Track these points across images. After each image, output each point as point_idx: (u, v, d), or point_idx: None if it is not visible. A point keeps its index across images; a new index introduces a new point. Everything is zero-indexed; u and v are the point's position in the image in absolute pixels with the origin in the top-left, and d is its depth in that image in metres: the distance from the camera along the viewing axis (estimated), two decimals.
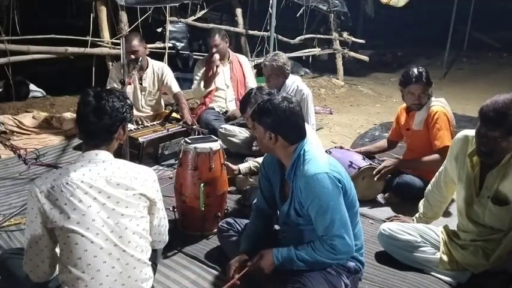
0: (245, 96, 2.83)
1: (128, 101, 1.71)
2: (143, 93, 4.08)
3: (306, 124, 2.03)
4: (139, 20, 4.91)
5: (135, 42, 3.77)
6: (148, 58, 4.06)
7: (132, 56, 3.74)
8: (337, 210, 1.84)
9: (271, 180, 2.13)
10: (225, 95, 4.39)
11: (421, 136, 3.06)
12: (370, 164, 3.08)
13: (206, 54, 4.61)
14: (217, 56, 4.17)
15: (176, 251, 2.41)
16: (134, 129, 3.74)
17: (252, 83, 4.36)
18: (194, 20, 5.96)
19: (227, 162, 2.77)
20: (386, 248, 2.39)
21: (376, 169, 3.02)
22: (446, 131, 2.93)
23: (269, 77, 3.59)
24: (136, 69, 3.85)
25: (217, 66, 4.17)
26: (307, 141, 1.97)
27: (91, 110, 1.61)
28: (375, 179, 3.01)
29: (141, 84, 4.03)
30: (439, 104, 3.02)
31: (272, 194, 2.15)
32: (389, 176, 3.11)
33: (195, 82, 4.35)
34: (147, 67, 4.00)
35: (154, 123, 3.93)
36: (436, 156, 2.93)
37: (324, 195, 1.82)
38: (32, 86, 5.19)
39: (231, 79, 4.36)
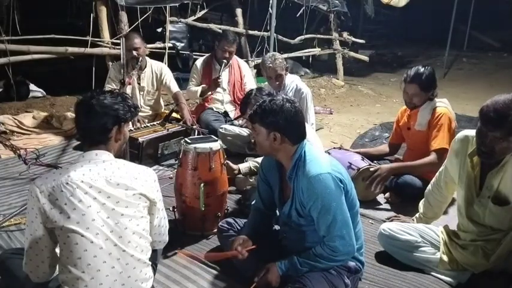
0: (245, 97, 2.83)
1: (125, 101, 1.71)
2: (142, 93, 4.07)
3: (305, 124, 2.03)
4: (140, 20, 4.90)
5: (137, 39, 3.80)
6: (147, 58, 4.06)
7: (135, 53, 3.74)
8: (339, 211, 1.84)
9: (270, 182, 2.13)
10: (222, 97, 4.39)
11: (423, 137, 3.05)
12: (370, 165, 3.08)
13: (206, 54, 4.61)
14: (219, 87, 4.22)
15: (176, 251, 2.41)
16: (134, 129, 3.74)
17: (252, 85, 4.35)
18: (194, 20, 5.96)
19: (228, 161, 2.77)
20: (386, 248, 2.39)
21: (370, 178, 2.98)
22: (446, 133, 2.92)
23: (278, 77, 3.59)
24: (136, 69, 3.85)
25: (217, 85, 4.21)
26: (307, 142, 1.98)
27: (81, 111, 1.64)
28: (367, 183, 2.98)
29: (139, 84, 4.03)
30: (442, 105, 3.01)
31: (270, 196, 2.16)
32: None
33: (191, 83, 4.38)
34: (145, 67, 4.00)
35: (154, 123, 3.94)
36: (431, 158, 2.93)
37: (327, 196, 1.82)
38: (32, 86, 5.19)
39: (229, 83, 4.36)
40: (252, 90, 2.85)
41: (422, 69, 2.93)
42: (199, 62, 4.42)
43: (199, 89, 4.28)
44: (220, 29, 6.19)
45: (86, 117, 1.63)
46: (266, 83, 3.89)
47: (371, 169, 3.02)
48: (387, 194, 3.19)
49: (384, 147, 3.54)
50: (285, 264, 1.94)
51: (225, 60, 4.18)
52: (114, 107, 1.65)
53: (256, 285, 1.94)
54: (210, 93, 4.28)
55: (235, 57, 4.47)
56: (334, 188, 1.82)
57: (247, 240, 2.04)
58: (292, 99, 1.93)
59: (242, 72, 4.42)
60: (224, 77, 4.32)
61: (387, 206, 3.11)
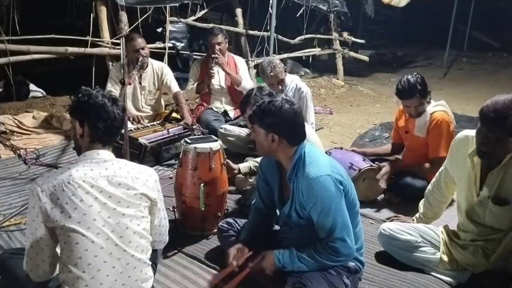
0: (245, 97, 2.83)
1: None
2: (143, 92, 4.08)
3: (305, 124, 2.03)
4: (140, 20, 4.90)
5: (142, 39, 3.83)
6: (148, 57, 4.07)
7: (143, 52, 3.77)
8: (339, 213, 1.84)
9: (270, 182, 2.13)
10: (220, 96, 4.39)
11: (421, 142, 3.05)
12: (371, 165, 3.07)
13: (206, 54, 4.62)
14: (220, 55, 4.16)
15: (176, 251, 2.41)
16: (134, 129, 3.74)
17: (247, 83, 4.35)
18: (194, 20, 5.96)
19: (228, 161, 2.77)
20: (386, 248, 2.39)
21: (378, 175, 3.00)
22: (444, 141, 2.90)
23: (280, 82, 3.59)
24: (137, 69, 3.84)
25: (216, 63, 4.14)
26: (307, 143, 1.97)
27: (116, 111, 1.63)
28: (381, 185, 3.00)
29: (140, 83, 4.03)
30: (440, 109, 2.99)
31: (270, 196, 2.16)
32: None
33: (189, 83, 4.40)
34: (146, 66, 4.01)
35: (154, 123, 3.93)
36: (428, 165, 2.95)
37: (326, 198, 1.82)
38: (32, 86, 5.19)
39: (226, 80, 4.36)
40: (252, 89, 2.85)
41: (412, 79, 2.88)
42: (197, 63, 4.45)
43: (194, 86, 4.30)
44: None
45: (121, 117, 1.65)
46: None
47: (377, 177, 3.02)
48: (387, 194, 3.19)
49: (388, 147, 3.53)
50: (283, 254, 1.93)
51: (214, 56, 4.13)
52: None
53: (250, 270, 1.94)
54: (206, 89, 4.28)
55: (231, 54, 4.47)
56: (334, 190, 1.82)
57: (242, 249, 2.03)
58: (292, 101, 1.92)
59: (238, 69, 4.40)
60: (221, 75, 4.32)
61: (387, 206, 3.10)
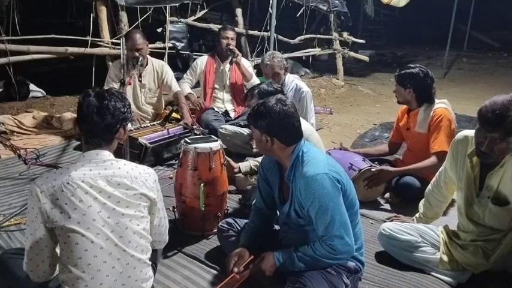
0: (252, 87, 2.85)
1: (127, 101, 1.71)
2: (143, 90, 4.07)
3: (306, 122, 2.03)
4: (140, 20, 4.91)
5: (140, 40, 3.78)
6: (148, 56, 4.06)
7: (137, 54, 3.73)
8: (336, 211, 1.84)
9: (270, 181, 2.14)
10: (222, 96, 4.40)
11: (422, 139, 3.04)
12: (371, 166, 3.07)
13: (205, 54, 4.62)
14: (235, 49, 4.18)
15: (176, 251, 2.42)
16: (134, 129, 3.74)
17: (256, 79, 4.36)
18: (194, 20, 5.96)
19: (228, 158, 2.77)
20: (386, 248, 2.39)
21: (369, 177, 3.00)
22: (445, 136, 2.90)
23: (275, 75, 3.59)
24: (137, 69, 3.84)
25: (235, 56, 4.13)
26: (306, 142, 1.98)
27: (94, 110, 1.59)
28: (365, 187, 3.00)
29: (140, 81, 4.02)
30: (442, 107, 2.99)
31: (271, 195, 2.16)
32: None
33: (185, 77, 4.42)
34: (146, 64, 4.00)
35: (155, 123, 3.93)
36: (432, 160, 2.92)
37: (324, 196, 1.82)
38: (32, 86, 5.18)
39: (229, 79, 4.36)
40: (261, 83, 2.86)
41: (405, 71, 3.00)
42: (200, 61, 4.42)
43: (187, 90, 4.31)
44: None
45: (99, 116, 1.60)
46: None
47: (372, 169, 3.02)
48: (387, 194, 3.19)
49: (384, 147, 3.53)
50: (282, 255, 1.94)
51: (229, 47, 4.13)
52: (124, 109, 1.66)
53: (250, 272, 1.94)
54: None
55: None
56: (331, 188, 1.83)
57: (243, 255, 2.01)
58: (284, 101, 1.93)
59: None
60: (225, 74, 4.33)
61: (387, 206, 3.11)
